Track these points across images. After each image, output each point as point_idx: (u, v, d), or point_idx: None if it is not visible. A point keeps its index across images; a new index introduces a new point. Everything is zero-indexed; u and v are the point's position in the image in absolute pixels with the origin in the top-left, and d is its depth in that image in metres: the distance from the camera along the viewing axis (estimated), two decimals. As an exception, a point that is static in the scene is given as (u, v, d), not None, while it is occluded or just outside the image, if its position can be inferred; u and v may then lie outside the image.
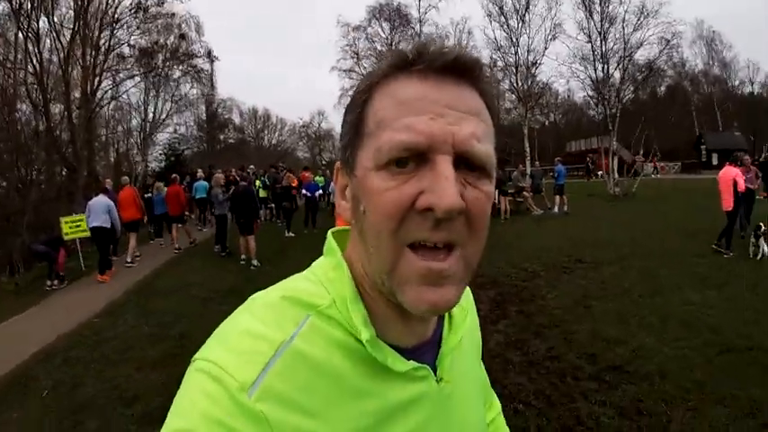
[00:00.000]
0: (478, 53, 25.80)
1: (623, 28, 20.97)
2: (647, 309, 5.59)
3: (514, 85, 25.35)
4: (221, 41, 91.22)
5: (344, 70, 29.57)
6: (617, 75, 21.36)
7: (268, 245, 10.71)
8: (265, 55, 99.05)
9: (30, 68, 17.14)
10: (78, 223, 10.06)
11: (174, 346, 5.47)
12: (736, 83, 44.68)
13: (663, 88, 40.13)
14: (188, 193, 13.94)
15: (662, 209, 14.24)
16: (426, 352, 0.59)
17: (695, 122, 41.59)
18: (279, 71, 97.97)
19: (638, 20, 20.70)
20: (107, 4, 21.07)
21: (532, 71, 25.08)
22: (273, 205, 15.94)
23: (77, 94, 20.03)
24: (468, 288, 0.76)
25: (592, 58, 21.67)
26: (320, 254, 0.61)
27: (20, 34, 16.52)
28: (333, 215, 13.44)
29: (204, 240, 12.63)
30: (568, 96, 43.18)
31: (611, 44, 21.34)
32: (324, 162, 47.83)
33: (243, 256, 9.65)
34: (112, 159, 30.48)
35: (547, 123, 51.13)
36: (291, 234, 12.77)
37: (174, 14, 25.12)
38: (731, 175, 8.06)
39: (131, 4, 21.80)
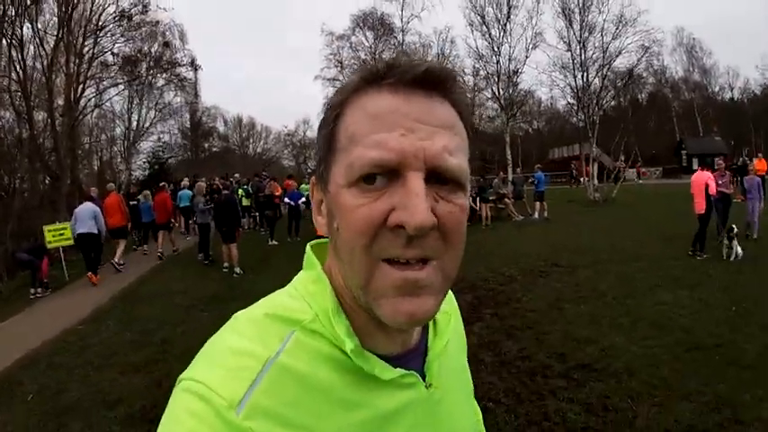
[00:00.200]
0: (461, 62, 25.79)
1: (602, 37, 21.43)
2: (620, 310, 5.76)
3: (496, 93, 25.67)
4: (205, 49, 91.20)
5: (328, 79, 29.60)
6: (597, 83, 21.78)
7: (251, 253, 10.78)
8: (250, 62, 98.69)
9: (13, 75, 16.99)
10: (62, 232, 10.11)
11: (157, 351, 5.54)
12: (716, 89, 45.86)
13: (644, 95, 40.90)
14: (173, 202, 13.98)
15: (641, 214, 14.59)
16: (413, 359, 0.59)
17: (676, 128, 42.41)
18: (264, 78, 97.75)
19: (617, 29, 21.17)
20: (91, 11, 20.98)
21: (514, 80, 25.45)
22: (257, 213, 15.96)
23: (61, 102, 19.84)
24: (450, 291, 0.77)
25: (571, 67, 22.11)
26: (302, 262, 0.61)
27: (3, 41, 16.38)
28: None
29: (187, 248, 12.72)
30: (551, 104, 43.74)
31: (591, 52, 21.79)
32: (309, 170, 47.83)
33: (225, 264, 9.70)
34: (96, 168, 30.22)
35: (530, 131, 51.71)
36: (274, 242, 12.82)
37: (158, 22, 24.98)
38: (703, 179, 8.35)
39: (115, 11, 21.73)
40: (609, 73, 21.77)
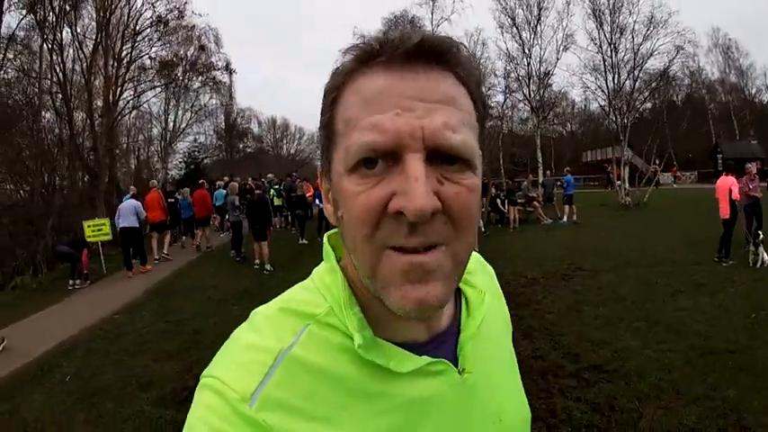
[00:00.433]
0: (492, 64, 25.72)
1: (633, 38, 21.03)
2: (638, 314, 5.77)
3: (527, 95, 25.50)
4: (239, 51, 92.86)
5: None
6: (628, 85, 21.41)
7: (281, 251, 11.10)
8: (282, 64, 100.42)
9: (53, 78, 17.57)
10: (100, 227, 10.66)
11: (189, 340, 5.87)
12: (753, 91, 44.27)
13: (680, 97, 39.84)
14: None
15: (671, 218, 14.34)
16: (444, 342, 0.57)
17: (712, 131, 41.16)
18: (296, 80, 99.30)
19: (648, 30, 20.76)
20: (128, 16, 21.67)
21: (545, 82, 25.24)
22: (288, 213, 16.28)
23: (100, 103, 20.49)
24: (490, 268, 0.77)
25: (602, 69, 21.77)
26: None
27: (44, 45, 17.06)
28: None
29: (221, 245, 13.20)
30: (585, 106, 43.06)
31: (622, 54, 21.39)
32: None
33: (257, 262, 10.03)
34: (133, 166, 31.00)
35: (564, 133, 51.01)
36: (304, 241, 13.10)
37: (193, 27, 25.59)
38: (727, 185, 8.22)
39: (152, 17, 22.38)
40: (641, 75, 21.38)
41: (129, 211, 10.22)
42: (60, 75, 17.56)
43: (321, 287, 0.56)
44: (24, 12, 16.21)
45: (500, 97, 24.21)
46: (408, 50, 0.46)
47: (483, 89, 0.52)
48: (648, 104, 26.49)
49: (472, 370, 0.57)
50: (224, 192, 14.54)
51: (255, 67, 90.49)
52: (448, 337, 0.58)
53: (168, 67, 24.58)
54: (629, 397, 3.78)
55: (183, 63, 25.87)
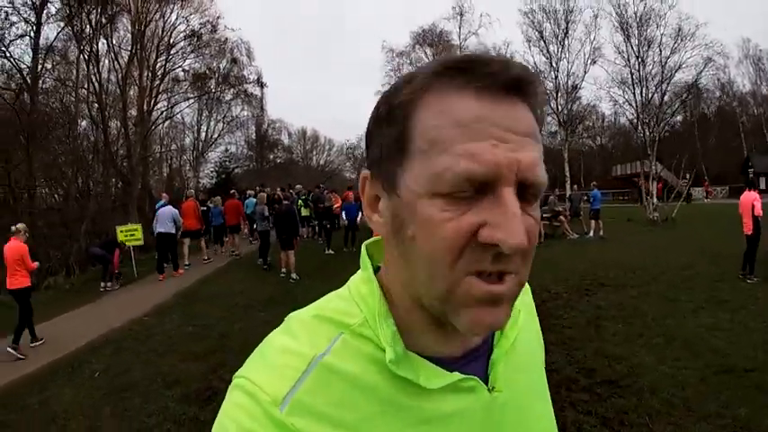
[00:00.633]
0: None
1: (660, 51, 20.83)
2: (657, 330, 5.73)
3: (555, 109, 25.39)
4: (271, 62, 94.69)
5: (389, 94, 30.34)
6: (657, 98, 21.13)
7: (307, 261, 11.27)
8: (312, 75, 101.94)
9: (90, 87, 18.25)
10: (132, 232, 11.10)
11: (215, 343, 6.07)
12: (785, 102, 42.93)
13: (711, 110, 38.99)
14: (242, 209, 15.06)
15: (698, 234, 14.06)
16: (477, 358, 0.57)
17: (743, 144, 40.09)
18: (325, 91, 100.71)
19: (675, 43, 20.54)
20: (163, 30, 22.49)
21: (573, 95, 25.11)
22: (316, 223, 16.52)
23: (134, 113, 21.24)
24: (527, 285, 0.73)
25: (630, 82, 21.58)
26: (356, 271, 0.60)
27: (80, 56, 17.60)
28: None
29: (249, 253, 13.55)
30: (615, 120, 42.47)
31: (650, 67, 21.18)
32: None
33: (283, 270, 10.22)
34: (165, 174, 31.70)
35: (594, 146, 50.41)
36: (331, 252, 13.27)
37: (226, 40, 26.33)
38: (750, 200, 8.11)
39: (186, 30, 23.18)
40: (669, 88, 21.10)
41: (167, 217, 10.70)
42: (96, 84, 18.24)
43: (357, 297, 0.56)
44: (62, 24, 16.87)
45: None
46: (507, 81, 0.46)
47: None
48: (679, 117, 26.07)
49: (503, 389, 0.57)
50: (254, 200, 14.97)
51: (288, 77, 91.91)
52: (480, 354, 0.58)
53: (201, 79, 25.27)
54: (639, 412, 3.79)
55: (216, 76, 26.52)
